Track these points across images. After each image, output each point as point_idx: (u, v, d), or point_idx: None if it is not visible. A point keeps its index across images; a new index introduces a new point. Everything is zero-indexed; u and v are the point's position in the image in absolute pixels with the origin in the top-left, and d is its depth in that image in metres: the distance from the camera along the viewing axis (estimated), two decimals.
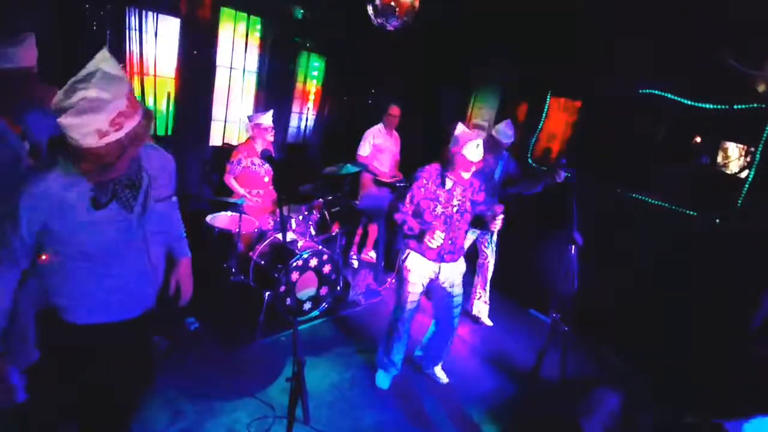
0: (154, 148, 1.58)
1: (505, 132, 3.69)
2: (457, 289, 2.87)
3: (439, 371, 3.17)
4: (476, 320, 4.02)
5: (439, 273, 2.80)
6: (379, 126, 4.52)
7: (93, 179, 1.33)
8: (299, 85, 5.45)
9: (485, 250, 3.95)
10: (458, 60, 5.45)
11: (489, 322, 4.02)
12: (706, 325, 3.52)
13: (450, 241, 2.70)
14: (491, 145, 3.65)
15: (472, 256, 3.87)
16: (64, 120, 1.20)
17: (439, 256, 2.72)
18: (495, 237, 3.93)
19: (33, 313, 2.22)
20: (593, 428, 2.64)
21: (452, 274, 2.82)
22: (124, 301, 1.57)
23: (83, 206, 1.35)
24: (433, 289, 2.91)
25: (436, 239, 2.49)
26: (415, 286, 2.78)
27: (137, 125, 1.31)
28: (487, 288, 4.00)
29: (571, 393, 3.09)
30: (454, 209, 2.68)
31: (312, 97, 5.70)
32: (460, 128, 2.66)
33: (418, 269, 2.75)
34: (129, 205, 1.44)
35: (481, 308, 4.03)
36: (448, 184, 2.66)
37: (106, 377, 1.60)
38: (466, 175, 2.61)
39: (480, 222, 2.74)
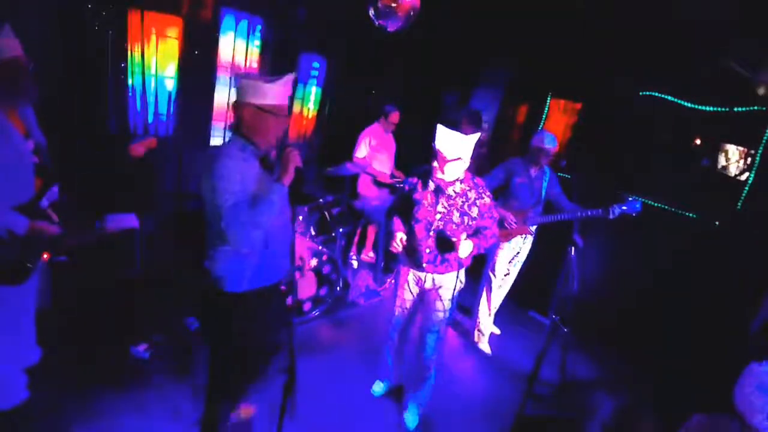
0: None
1: (544, 137, 3.37)
2: (439, 305, 2.53)
3: (409, 418, 2.70)
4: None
5: (424, 282, 2.57)
6: (375, 126, 4.52)
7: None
8: (300, 87, 5.46)
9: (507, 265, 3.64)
10: (458, 61, 5.46)
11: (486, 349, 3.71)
12: (706, 326, 3.53)
13: (428, 250, 2.44)
14: (532, 155, 3.40)
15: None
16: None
17: (417, 264, 2.51)
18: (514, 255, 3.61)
19: (35, 310, 2.23)
20: (593, 430, 2.65)
21: (436, 286, 2.56)
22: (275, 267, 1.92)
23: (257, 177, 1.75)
24: (423, 299, 2.65)
25: (396, 244, 2.37)
26: (405, 292, 2.64)
27: None
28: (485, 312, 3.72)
29: (571, 395, 3.10)
30: (437, 215, 2.41)
31: (311, 97, 5.71)
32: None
33: (407, 274, 2.62)
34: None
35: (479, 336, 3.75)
36: (430, 186, 2.42)
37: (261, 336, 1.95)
38: (446, 176, 2.34)
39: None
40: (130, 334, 2.88)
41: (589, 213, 3.20)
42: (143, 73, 3.89)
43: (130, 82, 3.84)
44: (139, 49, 3.80)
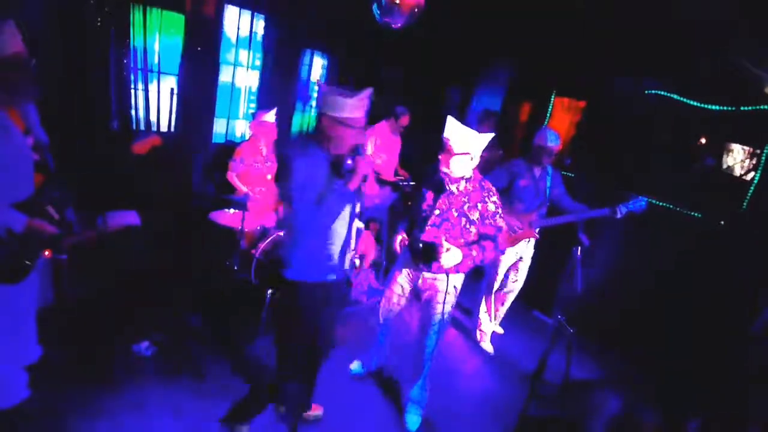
0: None
1: (546, 135, 3.28)
2: (438, 308, 2.47)
3: (410, 419, 2.65)
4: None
5: (418, 281, 2.52)
6: (383, 125, 4.50)
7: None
8: (302, 83, 5.43)
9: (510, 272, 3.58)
10: (460, 59, 5.42)
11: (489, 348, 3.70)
12: (709, 326, 3.50)
13: (421, 245, 2.39)
14: (534, 154, 3.32)
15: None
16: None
17: (412, 262, 2.49)
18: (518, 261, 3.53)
19: (36, 308, 2.22)
20: (596, 430, 2.63)
21: (431, 287, 2.49)
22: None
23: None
24: (419, 299, 2.63)
25: (396, 246, 2.42)
26: (396, 286, 2.62)
27: None
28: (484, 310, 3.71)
29: (575, 395, 3.08)
30: (436, 212, 2.35)
31: (315, 95, 5.68)
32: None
33: (399, 271, 2.62)
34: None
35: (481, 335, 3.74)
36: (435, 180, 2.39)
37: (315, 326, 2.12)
38: (451, 171, 2.26)
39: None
40: (132, 331, 2.87)
41: (596, 213, 3.14)
42: (145, 70, 3.87)
43: (132, 78, 3.82)
44: (142, 46, 3.78)
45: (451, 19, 4.96)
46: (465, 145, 2.22)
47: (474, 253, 2.28)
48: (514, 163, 3.42)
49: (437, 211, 2.35)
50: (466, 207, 2.32)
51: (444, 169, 2.29)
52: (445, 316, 2.48)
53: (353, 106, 1.92)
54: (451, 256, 2.21)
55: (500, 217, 2.35)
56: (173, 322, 3.06)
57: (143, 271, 3.58)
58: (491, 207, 2.32)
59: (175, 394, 2.52)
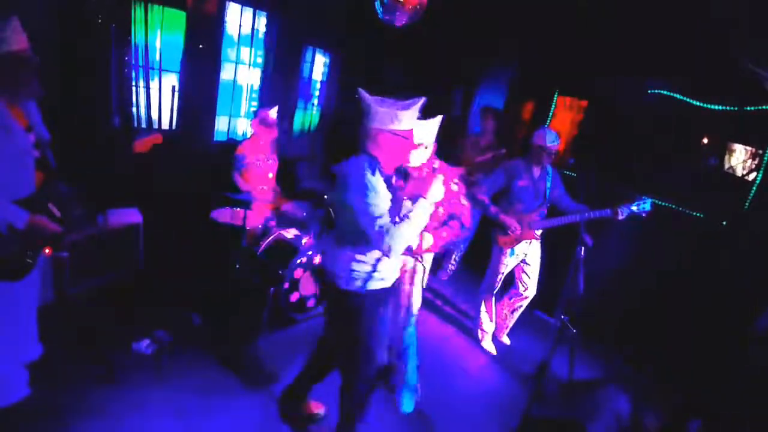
0: None
1: (545, 134, 3.23)
2: (411, 290, 2.59)
3: (404, 402, 2.73)
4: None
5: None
6: None
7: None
8: (304, 81, 5.42)
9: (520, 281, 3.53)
10: (463, 58, 5.41)
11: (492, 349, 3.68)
12: (709, 326, 3.50)
13: None
14: (533, 153, 3.28)
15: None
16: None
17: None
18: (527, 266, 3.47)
19: (37, 306, 2.21)
20: (598, 431, 2.63)
21: (403, 271, 2.55)
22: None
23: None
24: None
25: None
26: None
27: None
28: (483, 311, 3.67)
29: (577, 395, 3.07)
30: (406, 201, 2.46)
31: (317, 93, 5.67)
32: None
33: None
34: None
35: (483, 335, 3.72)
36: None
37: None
38: (411, 162, 2.38)
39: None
40: (132, 330, 2.86)
41: (597, 214, 3.10)
42: (147, 67, 3.86)
43: (133, 76, 3.81)
44: (143, 43, 3.76)
45: (453, 18, 4.95)
46: (417, 137, 2.30)
47: (444, 234, 2.41)
48: (512, 164, 3.38)
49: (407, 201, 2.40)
50: None
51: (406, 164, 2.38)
52: (418, 297, 2.61)
53: (408, 118, 1.88)
54: (424, 240, 2.34)
55: (463, 196, 2.47)
56: (174, 320, 3.05)
57: (145, 269, 3.58)
58: (454, 188, 2.42)
59: (175, 393, 2.51)
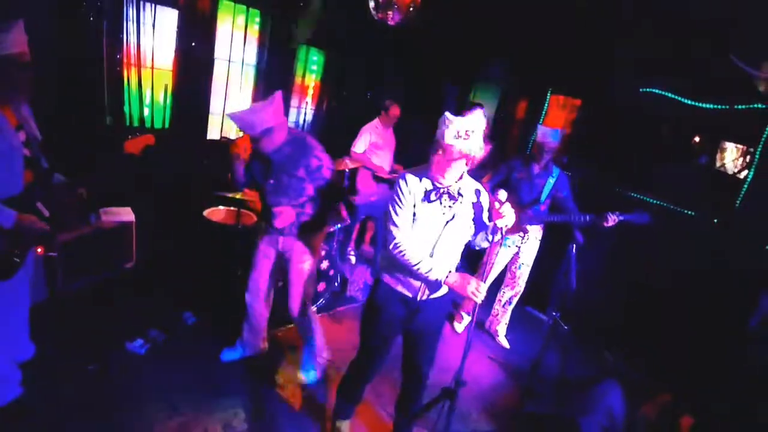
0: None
1: (546, 131, 3.29)
2: (298, 266, 2.69)
3: (308, 374, 2.86)
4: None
5: (278, 244, 2.69)
6: (376, 122, 4.48)
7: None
8: (298, 80, 5.41)
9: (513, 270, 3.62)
10: (458, 56, 5.42)
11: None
12: (703, 323, 3.53)
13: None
14: (533, 150, 3.37)
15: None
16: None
17: (265, 227, 2.66)
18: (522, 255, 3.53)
19: (28, 306, 2.20)
20: (591, 428, 2.64)
21: (289, 248, 2.66)
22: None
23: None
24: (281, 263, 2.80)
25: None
26: (259, 256, 2.72)
27: None
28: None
29: (570, 392, 3.09)
30: (271, 181, 2.57)
31: (311, 91, 5.66)
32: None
33: (262, 240, 2.72)
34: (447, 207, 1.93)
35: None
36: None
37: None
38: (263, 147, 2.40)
39: None
40: (126, 329, 2.85)
41: (583, 218, 3.17)
42: (139, 65, 3.84)
43: (125, 73, 3.79)
44: (135, 41, 3.74)
45: (448, 17, 4.95)
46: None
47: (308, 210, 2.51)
48: (513, 159, 3.52)
49: (271, 180, 2.47)
50: (293, 171, 2.44)
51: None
52: (309, 271, 2.67)
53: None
54: (285, 214, 2.43)
55: (327, 169, 2.48)
56: (168, 319, 3.04)
57: (138, 268, 3.57)
58: (314, 163, 2.44)
59: (169, 392, 2.50)
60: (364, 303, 2.23)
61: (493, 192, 1.86)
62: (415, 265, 1.88)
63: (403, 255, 1.89)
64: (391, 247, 1.91)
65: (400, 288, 2.05)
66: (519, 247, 3.52)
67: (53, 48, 3.28)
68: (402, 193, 1.91)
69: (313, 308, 2.90)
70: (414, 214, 1.93)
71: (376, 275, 2.13)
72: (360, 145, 4.41)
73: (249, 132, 2.31)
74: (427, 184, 1.91)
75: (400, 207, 1.91)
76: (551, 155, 3.33)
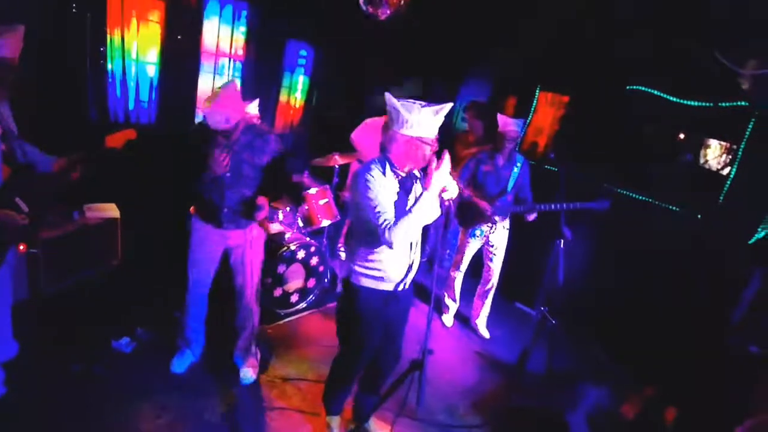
0: None
1: (506, 120, 3.30)
2: (247, 260, 2.68)
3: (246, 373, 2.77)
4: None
5: (227, 239, 2.65)
6: (370, 121, 4.43)
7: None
8: (287, 75, 5.36)
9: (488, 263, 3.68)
10: (447, 53, 5.41)
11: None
12: (688, 317, 3.60)
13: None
14: (496, 141, 3.38)
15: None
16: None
17: (217, 222, 2.58)
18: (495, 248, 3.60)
19: (10, 304, 2.15)
20: (578, 421, 2.68)
21: (238, 243, 2.65)
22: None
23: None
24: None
25: None
26: (196, 251, 2.69)
27: None
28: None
29: (557, 386, 3.13)
30: (228, 171, 2.48)
31: (299, 86, 5.62)
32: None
33: (201, 233, 2.67)
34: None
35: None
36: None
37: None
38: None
39: None
40: (112, 327, 2.81)
41: (550, 206, 3.22)
42: (123, 59, 3.76)
43: (109, 67, 3.71)
44: (119, 33, 3.67)
45: (437, 13, 4.94)
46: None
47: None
48: (480, 152, 3.57)
49: (228, 173, 2.39)
50: (255, 158, 2.42)
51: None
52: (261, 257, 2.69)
53: (429, 123, 1.87)
54: (265, 207, 2.43)
55: (280, 157, 2.49)
56: (154, 318, 3.00)
57: (123, 265, 3.51)
58: (273, 146, 2.46)
59: (157, 392, 2.47)
60: (342, 309, 2.19)
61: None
62: (416, 219, 1.86)
63: (403, 227, 1.85)
64: (387, 233, 1.84)
65: (382, 286, 2.05)
66: (487, 237, 3.57)
67: (35, 39, 3.19)
68: (377, 182, 1.90)
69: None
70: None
71: (350, 282, 2.07)
72: (359, 133, 4.36)
73: (222, 126, 2.22)
74: (390, 174, 1.95)
75: (380, 194, 1.89)
76: (513, 144, 3.37)
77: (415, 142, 1.86)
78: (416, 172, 2.03)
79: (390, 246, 1.88)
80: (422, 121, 1.84)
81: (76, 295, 3.11)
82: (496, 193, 3.44)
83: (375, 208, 1.87)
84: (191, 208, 2.59)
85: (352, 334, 2.16)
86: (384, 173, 1.92)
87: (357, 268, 2.04)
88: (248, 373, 2.71)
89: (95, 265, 3.34)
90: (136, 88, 3.95)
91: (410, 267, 2.08)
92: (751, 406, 2.32)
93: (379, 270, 2.01)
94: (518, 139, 3.34)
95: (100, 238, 3.36)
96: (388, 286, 2.05)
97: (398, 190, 1.96)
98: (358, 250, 2.03)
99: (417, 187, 2.03)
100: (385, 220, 1.84)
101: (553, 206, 3.20)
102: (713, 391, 2.86)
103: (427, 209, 1.87)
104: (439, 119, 1.87)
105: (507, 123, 3.31)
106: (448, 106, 1.87)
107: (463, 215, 3.58)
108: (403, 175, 1.97)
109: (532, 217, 3.32)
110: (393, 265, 2.02)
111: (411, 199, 1.99)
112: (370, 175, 1.89)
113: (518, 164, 3.43)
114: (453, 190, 1.93)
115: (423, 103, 1.84)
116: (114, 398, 2.38)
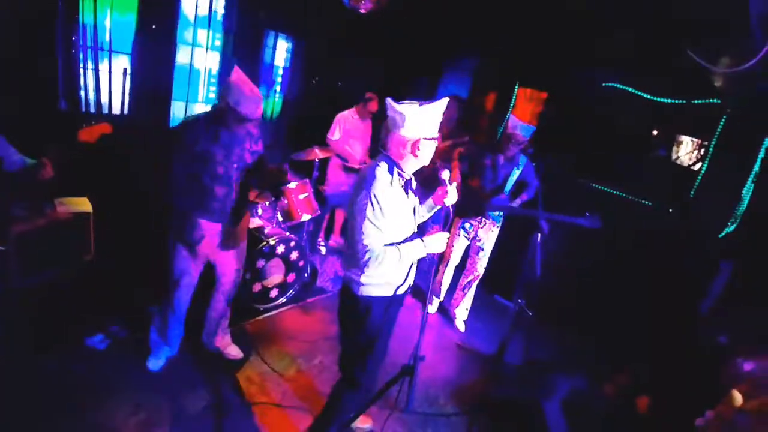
0: None
1: (516, 123, 3.28)
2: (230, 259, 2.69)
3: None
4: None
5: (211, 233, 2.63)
6: (351, 111, 4.43)
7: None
8: (266, 67, 5.28)
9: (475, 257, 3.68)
10: (427, 48, 5.42)
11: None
12: (659, 308, 3.70)
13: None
14: (501, 140, 3.40)
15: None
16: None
17: (211, 214, 2.51)
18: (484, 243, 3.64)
19: None
20: (553, 409, 2.74)
21: (219, 241, 2.61)
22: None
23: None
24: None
25: None
26: (179, 253, 2.67)
27: None
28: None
29: (534, 376, 3.19)
30: (220, 168, 2.45)
31: (279, 79, 5.54)
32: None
33: (194, 229, 2.60)
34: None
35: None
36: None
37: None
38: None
39: None
40: (85, 324, 2.74)
41: (529, 212, 3.19)
42: (96, 48, 3.64)
43: (81, 56, 3.59)
44: (92, 22, 3.55)
45: (418, 7, 4.93)
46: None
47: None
48: (484, 147, 3.66)
49: (221, 170, 2.39)
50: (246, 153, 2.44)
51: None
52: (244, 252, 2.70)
53: (436, 119, 1.88)
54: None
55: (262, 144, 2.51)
56: (129, 314, 2.94)
57: (96, 261, 3.42)
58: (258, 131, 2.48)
59: (132, 389, 2.43)
60: (349, 326, 2.09)
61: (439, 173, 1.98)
62: (401, 258, 1.86)
63: (386, 261, 1.84)
64: (368, 260, 1.82)
65: (385, 291, 2.01)
66: (476, 232, 3.61)
67: (2, 27, 3.07)
68: (383, 200, 1.82)
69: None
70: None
71: (355, 295, 1.98)
72: (335, 133, 4.36)
73: (255, 114, 2.22)
74: (397, 178, 1.91)
75: (379, 220, 1.81)
76: (518, 148, 3.34)
77: (422, 142, 1.86)
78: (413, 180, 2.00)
79: (363, 267, 1.88)
80: (424, 120, 1.84)
81: (48, 291, 3.01)
82: (491, 189, 3.44)
83: (367, 230, 1.80)
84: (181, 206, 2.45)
85: (368, 348, 2.07)
86: (392, 183, 1.87)
87: (363, 279, 1.94)
88: (233, 351, 2.81)
89: (67, 260, 3.25)
90: (109, 79, 3.84)
91: (410, 269, 2.06)
92: (719, 392, 2.41)
93: (382, 275, 1.96)
94: (524, 144, 3.30)
95: (72, 232, 3.27)
96: (390, 291, 2.03)
97: (401, 195, 1.93)
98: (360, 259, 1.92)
99: (412, 195, 2.00)
100: (371, 251, 1.80)
101: (540, 215, 3.03)
102: (684, 380, 2.95)
103: (414, 256, 1.91)
104: (439, 115, 1.89)
105: (515, 126, 3.27)
106: (445, 101, 1.89)
107: (459, 202, 3.57)
108: (408, 178, 1.96)
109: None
110: (397, 270, 1.99)
111: (409, 203, 1.97)
112: (379, 190, 1.81)
113: (519, 166, 3.43)
114: (453, 197, 1.98)
115: (421, 102, 1.85)
116: (88, 395, 2.32)
